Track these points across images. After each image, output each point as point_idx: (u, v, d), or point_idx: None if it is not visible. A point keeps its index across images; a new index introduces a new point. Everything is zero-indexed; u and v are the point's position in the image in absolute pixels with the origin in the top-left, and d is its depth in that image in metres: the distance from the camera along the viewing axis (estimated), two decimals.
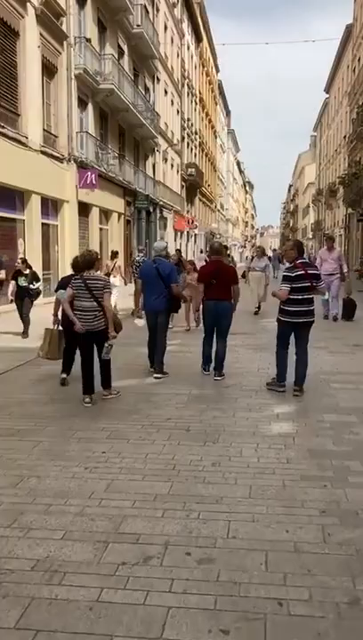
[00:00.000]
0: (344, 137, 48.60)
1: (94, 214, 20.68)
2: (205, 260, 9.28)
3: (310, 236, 79.45)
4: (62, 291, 6.52)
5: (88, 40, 18.72)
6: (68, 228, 18.19)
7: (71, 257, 7.49)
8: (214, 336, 7.50)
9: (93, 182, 18.17)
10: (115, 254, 14.91)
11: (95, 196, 19.85)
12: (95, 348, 6.32)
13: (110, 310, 6.35)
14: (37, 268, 15.98)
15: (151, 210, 30.21)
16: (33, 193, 15.52)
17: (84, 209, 19.57)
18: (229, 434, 5.26)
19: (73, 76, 18.00)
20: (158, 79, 31.66)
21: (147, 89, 29.02)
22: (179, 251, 22.63)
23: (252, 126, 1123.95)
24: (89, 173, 18.14)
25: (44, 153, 16.10)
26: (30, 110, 15.15)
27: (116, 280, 13.44)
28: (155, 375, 7.41)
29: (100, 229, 21.91)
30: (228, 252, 16.06)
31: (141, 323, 8.63)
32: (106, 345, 6.22)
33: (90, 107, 20.09)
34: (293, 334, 6.63)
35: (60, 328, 7.07)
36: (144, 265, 8.54)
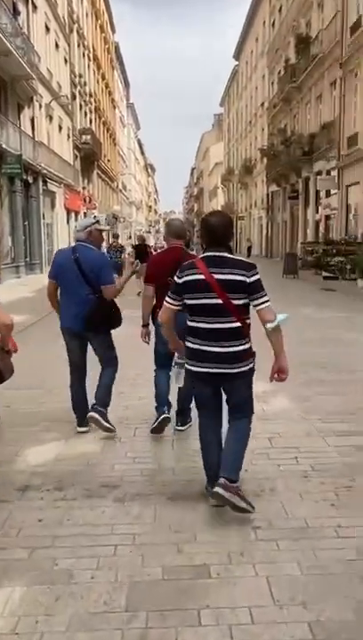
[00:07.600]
0: (261, 104, 42.59)
1: None
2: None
3: None
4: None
5: None
6: None
7: None
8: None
9: None
10: None
11: None
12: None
13: None
14: None
15: (31, 181, 22.19)
16: None
17: None
18: None
19: None
20: (35, 5, 23.51)
21: (16, 10, 20.80)
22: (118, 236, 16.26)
23: (150, 106, 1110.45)
24: None
25: None
26: None
27: None
28: (79, 430, 4.52)
29: None
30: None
31: None
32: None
33: None
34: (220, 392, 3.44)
35: None
36: (58, 255, 4.75)
